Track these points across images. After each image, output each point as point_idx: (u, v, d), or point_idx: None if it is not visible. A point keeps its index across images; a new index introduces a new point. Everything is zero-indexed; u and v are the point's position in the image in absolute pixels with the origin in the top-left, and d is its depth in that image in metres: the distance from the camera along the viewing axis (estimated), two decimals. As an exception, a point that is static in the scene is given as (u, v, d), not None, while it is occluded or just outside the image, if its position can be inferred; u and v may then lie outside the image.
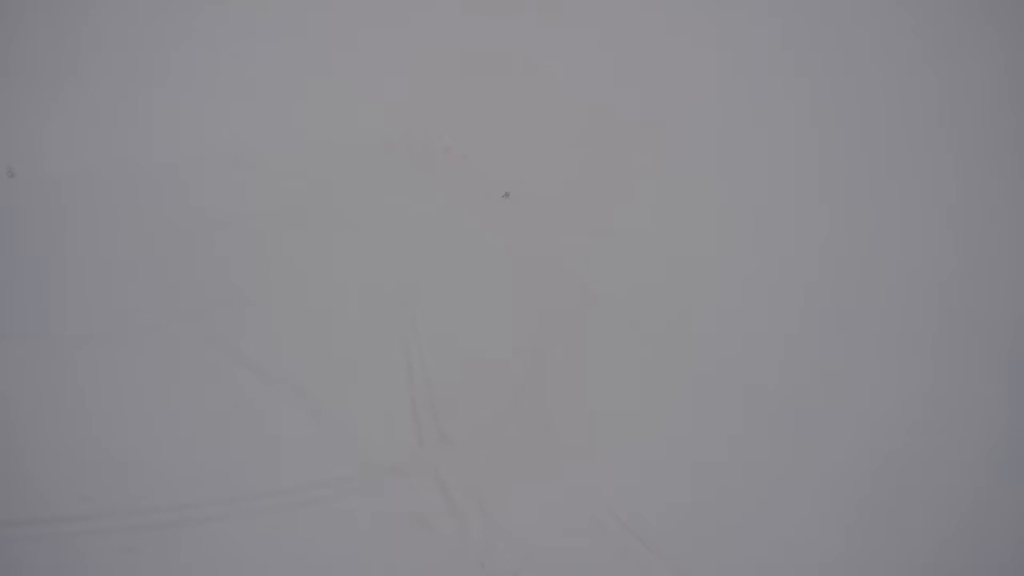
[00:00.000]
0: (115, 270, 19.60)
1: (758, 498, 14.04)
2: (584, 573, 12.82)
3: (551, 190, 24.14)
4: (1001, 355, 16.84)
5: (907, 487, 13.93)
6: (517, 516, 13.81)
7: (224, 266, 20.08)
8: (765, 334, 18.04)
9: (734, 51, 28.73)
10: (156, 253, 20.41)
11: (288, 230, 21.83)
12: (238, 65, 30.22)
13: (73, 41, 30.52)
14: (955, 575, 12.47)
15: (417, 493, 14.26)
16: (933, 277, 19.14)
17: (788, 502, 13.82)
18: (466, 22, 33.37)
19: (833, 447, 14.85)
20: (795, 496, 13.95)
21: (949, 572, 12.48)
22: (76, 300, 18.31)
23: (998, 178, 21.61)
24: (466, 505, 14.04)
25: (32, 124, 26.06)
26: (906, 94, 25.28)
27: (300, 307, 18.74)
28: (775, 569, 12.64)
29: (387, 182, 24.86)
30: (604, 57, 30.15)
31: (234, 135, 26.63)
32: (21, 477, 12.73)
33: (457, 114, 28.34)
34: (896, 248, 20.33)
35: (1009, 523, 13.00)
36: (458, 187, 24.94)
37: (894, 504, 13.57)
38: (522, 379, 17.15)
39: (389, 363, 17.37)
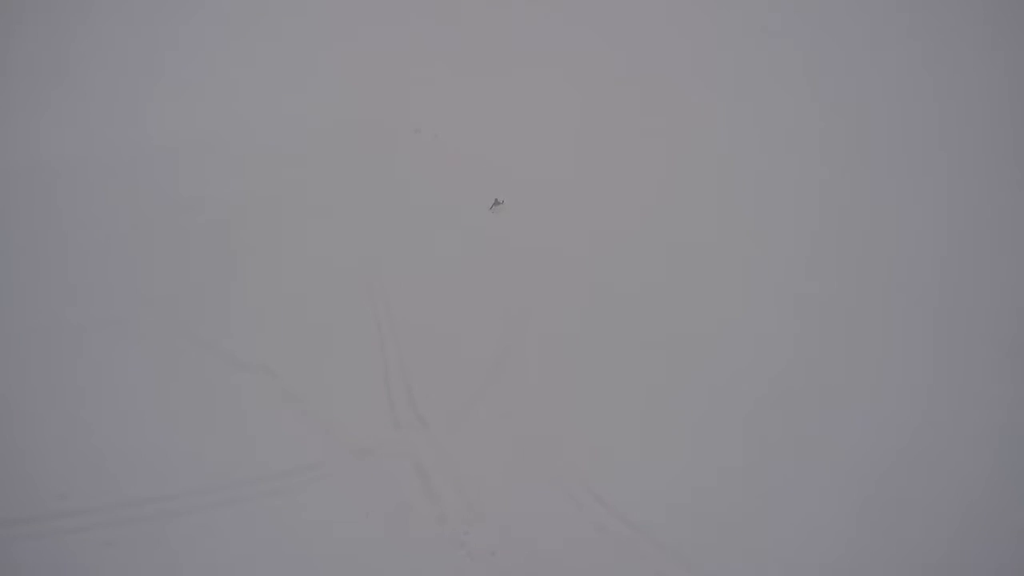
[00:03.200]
0: (81, 258, 19.30)
1: (752, 495, 14.05)
2: (563, 551, 13.02)
3: (533, 176, 23.96)
4: (1002, 354, 17.01)
5: (911, 487, 13.79)
6: (495, 496, 13.99)
7: (193, 252, 19.86)
8: (766, 334, 17.98)
9: (734, 49, 28.50)
10: (122, 240, 20.09)
11: (258, 214, 21.56)
12: (211, 47, 29.52)
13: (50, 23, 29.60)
14: (957, 574, 12.66)
15: (394, 475, 14.37)
16: (933, 278, 19.25)
17: (787, 503, 13.80)
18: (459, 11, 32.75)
19: (836, 448, 14.73)
20: (796, 496, 13.93)
21: (951, 571, 12.59)
22: (41, 291, 18.04)
23: (998, 176, 21.65)
24: (444, 486, 14.19)
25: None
26: (905, 92, 25.21)
27: (271, 292, 18.63)
28: (774, 569, 12.73)
29: (360, 165, 24.55)
30: (602, 49, 29.77)
31: (204, 119, 26.13)
32: (-7, 478, 12.65)
33: (449, 103, 27.97)
34: (897, 249, 20.39)
35: (1011, 522, 13.19)
36: (432, 171, 24.71)
37: (898, 504, 13.52)
38: (499, 359, 17.26)
39: (363, 347, 17.35)
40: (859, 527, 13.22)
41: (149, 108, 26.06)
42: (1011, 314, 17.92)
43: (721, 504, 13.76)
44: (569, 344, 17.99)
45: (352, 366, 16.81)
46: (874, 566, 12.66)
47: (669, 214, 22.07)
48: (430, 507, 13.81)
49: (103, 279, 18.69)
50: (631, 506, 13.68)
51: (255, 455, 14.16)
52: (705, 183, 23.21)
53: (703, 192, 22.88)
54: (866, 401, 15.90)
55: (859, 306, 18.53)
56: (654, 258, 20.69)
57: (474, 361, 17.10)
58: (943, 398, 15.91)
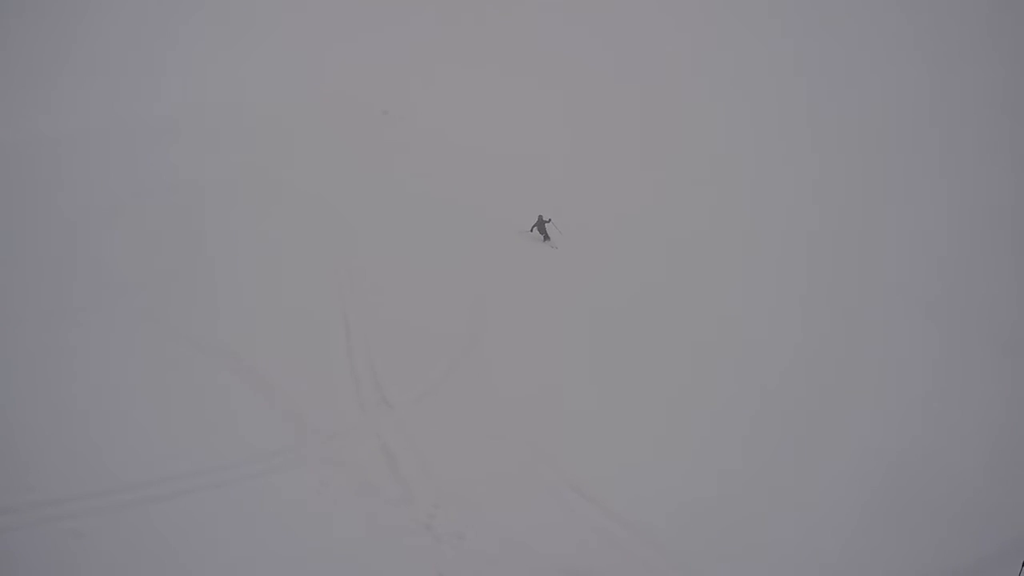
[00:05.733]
0: (43, 248, 18.77)
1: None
2: (528, 532, 13.41)
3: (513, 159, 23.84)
4: (1001, 355, 17.47)
5: (911, 487, 14.47)
6: (461, 478, 14.33)
7: (163, 237, 19.45)
8: (766, 337, 18.17)
9: (733, 52, 28.29)
10: (87, 227, 19.59)
11: (222, 198, 21.19)
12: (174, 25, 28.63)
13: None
14: (954, 571, 13.15)
15: (361, 458, 14.51)
16: (931, 278, 19.56)
17: (789, 503, 14.27)
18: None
19: (836, 449, 15.33)
20: (797, 496, 14.40)
21: (949, 568, 13.13)
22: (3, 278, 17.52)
23: (997, 177, 21.96)
24: (410, 468, 14.41)
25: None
26: (906, 96, 25.36)
27: (239, 278, 18.43)
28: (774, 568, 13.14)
29: (331, 150, 24.26)
30: (603, 51, 29.39)
31: (167, 101, 25.50)
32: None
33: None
34: (896, 252, 20.63)
35: (1007, 520, 13.58)
36: (399, 151, 24.55)
37: (898, 504, 14.15)
38: (463, 343, 17.46)
39: (328, 331, 17.39)
40: (860, 526, 13.82)
41: (125, 95, 25.41)
42: (1010, 315, 18.38)
43: (718, 503, 14.18)
44: (528, 327, 18.30)
45: (318, 350, 16.81)
46: (874, 564, 13.22)
47: (666, 215, 22.24)
48: (398, 490, 13.99)
49: (68, 265, 18.13)
50: (604, 490, 14.19)
51: (221, 442, 13.95)
52: (701, 185, 23.38)
53: (700, 195, 23.07)
54: (866, 404, 16.37)
55: (859, 309, 18.88)
56: (652, 256, 20.87)
57: (438, 345, 17.36)
58: (943, 400, 16.42)
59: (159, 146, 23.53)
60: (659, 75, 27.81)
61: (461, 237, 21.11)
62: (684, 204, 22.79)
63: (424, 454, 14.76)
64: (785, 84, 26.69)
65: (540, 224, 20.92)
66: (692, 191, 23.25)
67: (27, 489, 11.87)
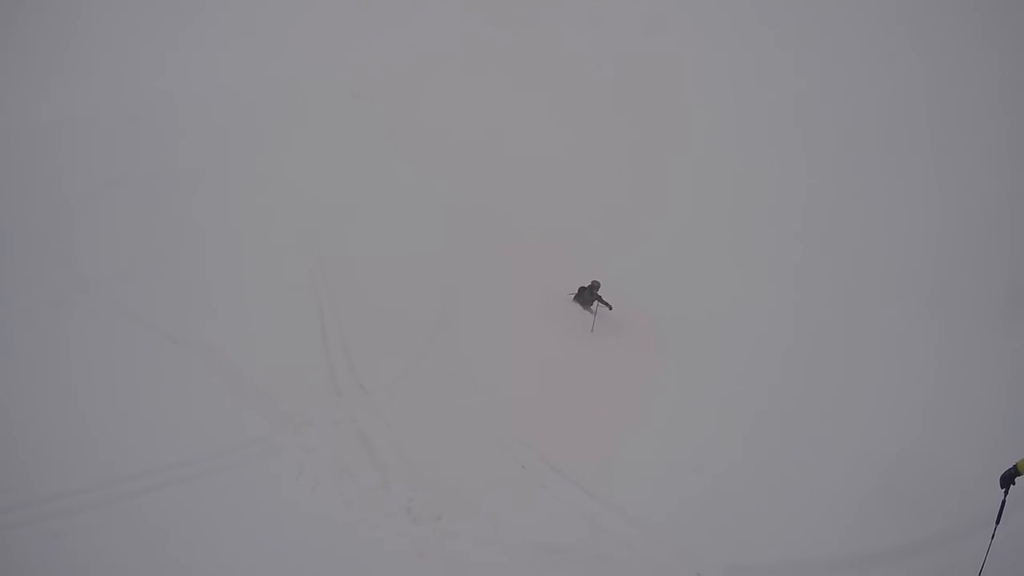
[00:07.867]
0: (12, 243, 18.40)
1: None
2: (507, 512, 13.62)
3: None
4: (1001, 357, 17.65)
5: (909, 487, 14.47)
6: (438, 461, 14.50)
7: (126, 229, 19.13)
8: (766, 338, 18.16)
9: (721, 45, 27.98)
10: (53, 221, 19.22)
11: (189, 187, 20.87)
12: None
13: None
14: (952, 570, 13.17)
15: (338, 444, 14.59)
16: (927, 278, 19.67)
17: (787, 501, 14.31)
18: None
19: (835, 448, 15.42)
20: (796, 494, 14.45)
21: (947, 567, 13.18)
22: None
23: (997, 176, 21.99)
24: (387, 453, 14.53)
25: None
26: (902, 91, 25.20)
27: (207, 266, 18.25)
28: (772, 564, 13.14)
29: (295, 131, 23.90)
30: (591, 51, 28.99)
31: (130, 89, 24.96)
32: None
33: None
34: (893, 249, 20.66)
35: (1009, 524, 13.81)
36: (369, 135, 24.24)
37: (896, 502, 14.16)
38: (438, 328, 17.52)
39: (302, 318, 17.33)
40: (858, 524, 13.90)
41: (124, 82, 24.96)
42: (1007, 316, 18.65)
43: (718, 499, 14.20)
44: (500, 306, 18.36)
45: (292, 336, 16.78)
46: (871, 561, 13.27)
47: (660, 211, 22.16)
48: (375, 474, 14.10)
49: (40, 259, 17.74)
50: (597, 482, 14.31)
51: (196, 434, 13.88)
52: (697, 184, 23.28)
53: (696, 194, 22.99)
54: (866, 402, 16.59)
55: (857, 306, 19.03)
56: (645, 249, 20.81)
57: (413, 329, 17.38)
58: (942, 402, 16.65)
59: (148, 135, 23.17)
60: (654, 75, 27.63)
61: (436, 222, 21.05)
62: (681, 202, 22.83)
63: (401, 438, 14.88)
64: (782, 84, 26.58)
65: (588, 293, 18.72)
66: (688, 190, 23.25)
67: (2, 491, 11.75)
